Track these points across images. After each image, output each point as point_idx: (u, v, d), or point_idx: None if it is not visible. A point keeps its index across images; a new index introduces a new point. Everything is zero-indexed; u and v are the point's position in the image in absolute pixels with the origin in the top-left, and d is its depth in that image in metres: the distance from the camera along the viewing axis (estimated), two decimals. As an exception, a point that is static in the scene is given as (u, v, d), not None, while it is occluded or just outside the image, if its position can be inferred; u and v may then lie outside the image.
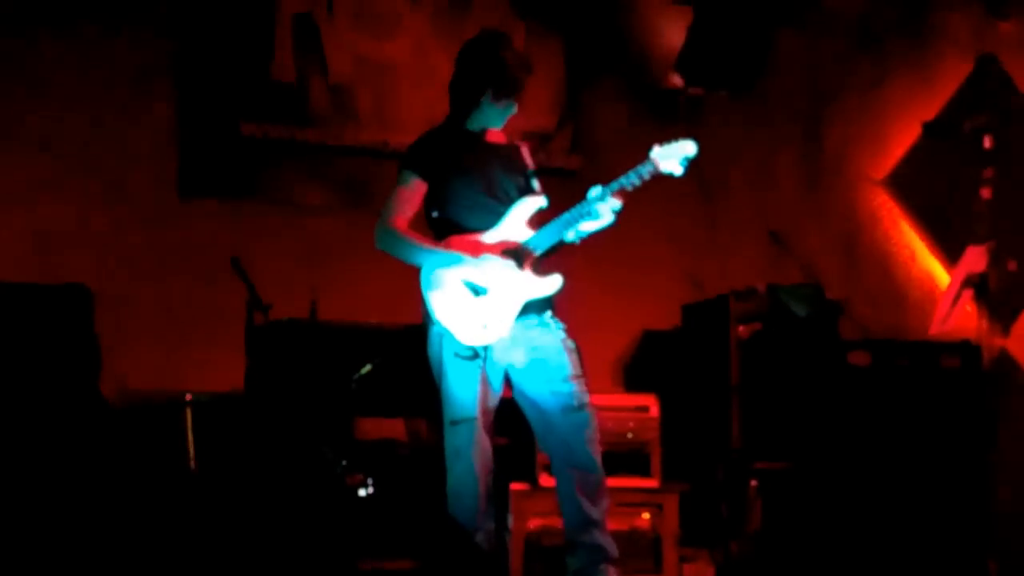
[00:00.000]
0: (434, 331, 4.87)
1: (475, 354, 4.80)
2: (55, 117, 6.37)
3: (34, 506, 5.34)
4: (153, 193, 6.55)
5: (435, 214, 4.96)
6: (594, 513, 4.84)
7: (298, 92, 6.92)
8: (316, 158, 6.95)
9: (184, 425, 5.81)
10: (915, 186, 7.60)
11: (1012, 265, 6.23)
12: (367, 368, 5.62)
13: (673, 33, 7.42)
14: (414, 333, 5.64)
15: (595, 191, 4.77)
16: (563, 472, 4.89)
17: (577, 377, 4.89)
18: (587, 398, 4.88)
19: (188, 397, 5.84)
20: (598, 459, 4.87)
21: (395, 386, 5.85)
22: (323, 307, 6.14)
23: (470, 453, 4.78)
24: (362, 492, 5.41)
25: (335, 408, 5.71)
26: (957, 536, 6.07)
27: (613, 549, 4.87)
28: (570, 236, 4.86)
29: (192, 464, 5.77)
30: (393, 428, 6.26)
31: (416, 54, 7.19)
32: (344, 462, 5.45)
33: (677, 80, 7.43)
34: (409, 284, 5.65)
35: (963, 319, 6.17)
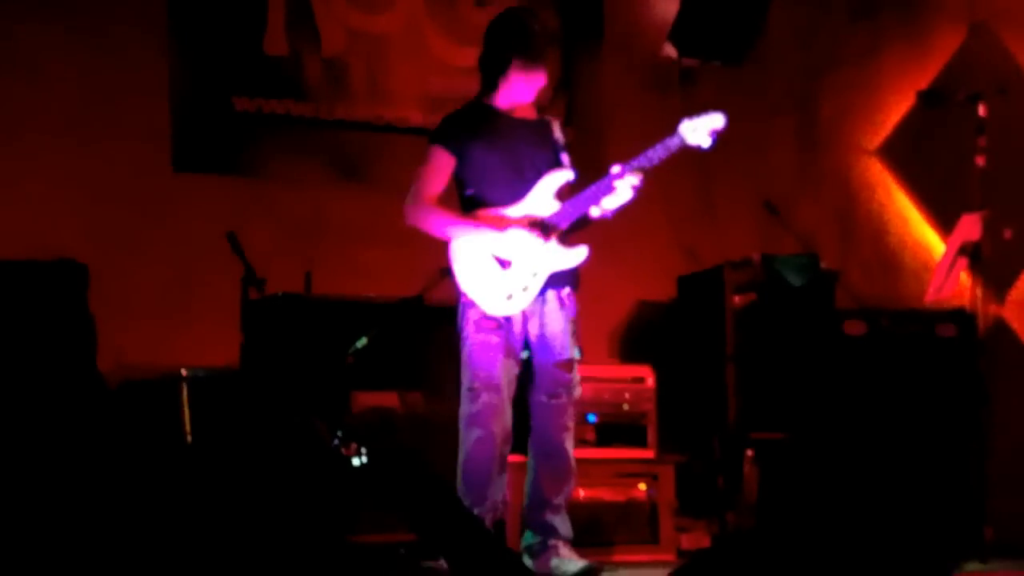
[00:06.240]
0: (461, 302, 4.97)
1: (498, 324, 4.88)
2: (46, 92, 6.33)
3: (30, 482, 5.34)
4: (147, 168, 6.52)
5: (464, 189, 5.03)
6: (554, 498, 4.99)
7: (291, 66, 6.90)
8: (310, 132, 6.93)
9: (180, 400, 5.80)
10: (909, 155, 7.57)
11: (1007, 233, 6.22)
12: (363, 341, 5.62)
13: (667, 4, 7.39)
14: (409, 306, 5.68)
15: (615, 169, 4.80)
16: (533, 453, 5.03)
17: (573, 363, 5.00)
18: (576, 385, 5.00)
19: (184, 372, 5.84)
20: (569, 447, 5.00)
21: (391, 359, 5.86)
22: (318, 281, 6.14)
23: (488, 421, 4.87)
24: (356, 462, 5.42)
25: (331, 382, 5.71)
26: (954, 503, 6.09)
27: (566, 529, 5.01)
28: (596, 212, 4.91)
29: (188, 439, 5.77)
30: (389, 402, 6.26)
31: (409, 27, 7.17)
32: (340, 433, 5.46)
33: (671, 51, 7.40)
34: (404, 257, 5.67)
35: (958, 288, 6.16)
